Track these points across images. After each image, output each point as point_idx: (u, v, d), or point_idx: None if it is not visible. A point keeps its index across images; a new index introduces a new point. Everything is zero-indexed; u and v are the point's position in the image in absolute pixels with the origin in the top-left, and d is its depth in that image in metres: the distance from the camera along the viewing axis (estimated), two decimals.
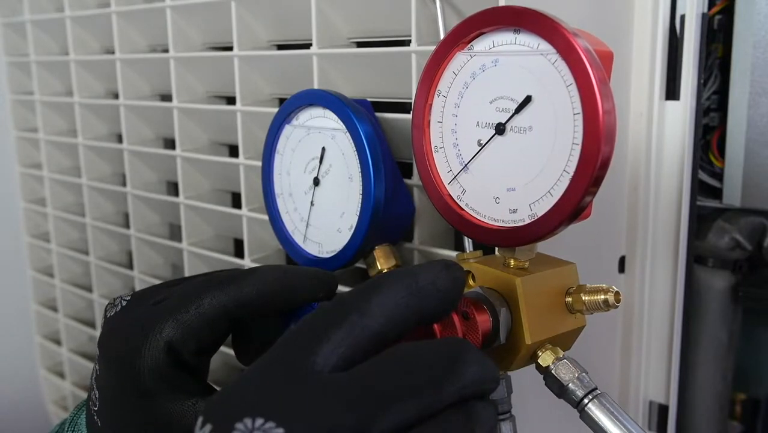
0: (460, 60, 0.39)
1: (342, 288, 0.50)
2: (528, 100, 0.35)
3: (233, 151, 0.69)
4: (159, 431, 0.38)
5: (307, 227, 0.50)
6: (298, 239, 0.50)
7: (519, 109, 0.36)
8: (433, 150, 0.41)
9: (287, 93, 0.57)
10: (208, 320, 0.38)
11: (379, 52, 0.50)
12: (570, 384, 0.36)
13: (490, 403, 0.31)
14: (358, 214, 0.46)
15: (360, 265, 0.49)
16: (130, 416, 0.38)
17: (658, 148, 0.56)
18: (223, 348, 0.47)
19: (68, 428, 0.42)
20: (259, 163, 0.52)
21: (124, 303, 0.40)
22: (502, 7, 0.37)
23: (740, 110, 0.59)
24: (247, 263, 0.61)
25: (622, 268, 0.58)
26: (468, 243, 0.46)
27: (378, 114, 0.50)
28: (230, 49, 0.59)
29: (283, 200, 0.51)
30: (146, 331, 0.38)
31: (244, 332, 0.42)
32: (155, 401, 0.38)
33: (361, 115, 0.46)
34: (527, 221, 0.36)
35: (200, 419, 0.28)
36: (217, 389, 0.40)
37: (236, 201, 0.66)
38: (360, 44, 0.56)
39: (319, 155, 0.48)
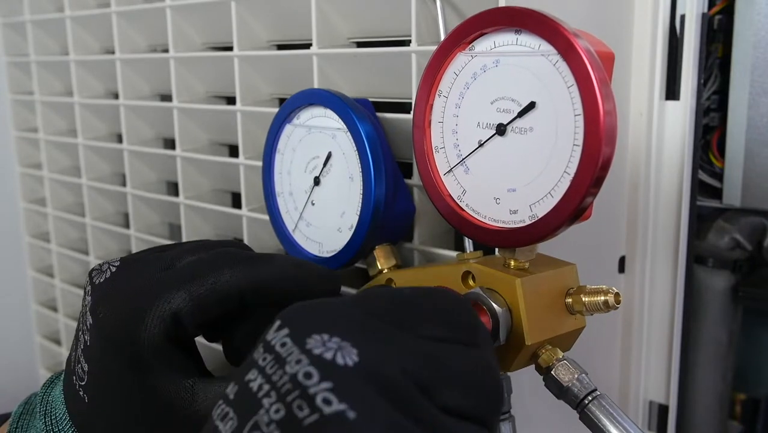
0: (461, 60, 0.39)
1: (344, 289, 0.50)
2: (531, 106, 0.35)
3: (233, 151, 0.69)
4: (153, 407, 0.37)
5: (307, 226, 0.50)
6: (298, 238, 0.50)
7: (522, 113, 0.36)
8: (433, 150, 0.41)
9: (287, 93, 0.57)
10: (221, 297, 0.37)
11: (379, 52, 0.50)
12: (570, 385, 0.36)
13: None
14: (358, 213, 0.46)
15: (360, 265, 0.49)
16: (122, 391, 0.36)
17: (658, 148, 0.56)
18: None
19: (40, 406, 0.40)
20: (259, 163, 0.52)
21: (113, 269, 0.38)
22: (504, 7, 0.37)
23: (740, 110, 0.59)
24: None
25: (622, 268, 0.58)
26: (468, 243, 0.46)
27: (378, 114, 0.50)
28: (230, 49, 0.59)
29: (283, 200, 0.51)
30: (152, 298, 0.36)
31: (235, 327, 0.41)
32: (151, 375, 0.36)
33: (362, 115, 0.46)
34: (528, 222, 0.36)
35: (277, 322, 0.28)
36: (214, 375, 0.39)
37: (236, 201, 0.66)
38: (360, 44, 0.56)
39: (319, 154, 0.48)
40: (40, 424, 0.39)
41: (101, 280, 0.38)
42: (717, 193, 0.62)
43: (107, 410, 0.37)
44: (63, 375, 0.40)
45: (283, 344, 0.28)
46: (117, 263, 0.39)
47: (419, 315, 0.30)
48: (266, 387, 0.27)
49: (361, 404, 0.26)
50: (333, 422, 0.25)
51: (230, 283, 0.37)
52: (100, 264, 0.39)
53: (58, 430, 0.38)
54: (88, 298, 0.38)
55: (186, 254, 0.40)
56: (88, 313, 0.38)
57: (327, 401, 0.25)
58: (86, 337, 0.38)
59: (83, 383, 0.38)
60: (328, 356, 0.27)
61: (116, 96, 0.73)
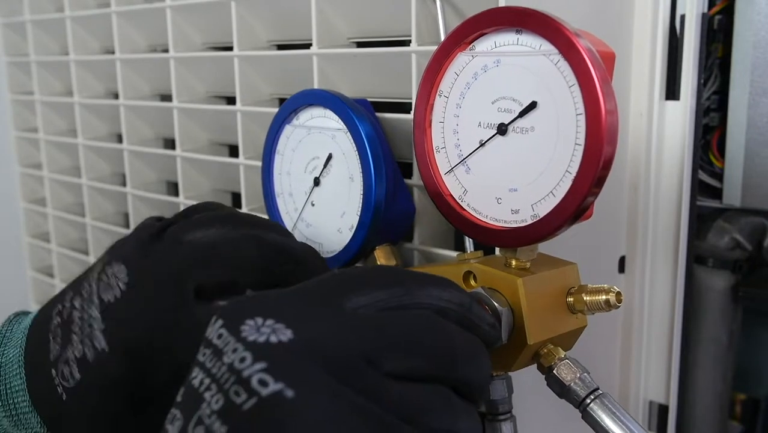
0: (461, 60, 0.39)
1: None
2: (533, 105, 0.35)
3: (233, 151, 0.69)
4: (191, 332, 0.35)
5: (307, 227, 0.50)
6: (298, 238, 0.50)
7: (523, 113, 0.36)
8: (434, 150, 0.41)
9: (287, 93, 0.57)
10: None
11: (379, 52, 0.50)
12: (572, 384, 0.36)
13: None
14: (358, 214, 0.46)
15: (360, 265, 0.49)
16: (113, 425, 0.36)
17: (658, 148, 0.56)
18: None
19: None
20: (259, 163, 0.52)
21: (122, 286, 0.36)
22: (505, 7, 0.37)
23: (740, 110, 0.59)
24: None
25: (622, 268, 0.58)
26: (469, 243, 0.46)
27: (378, 114, 0.50)
28: (230, 49, 0.59)
29: (283, 200, 0.51)
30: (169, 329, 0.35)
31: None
32: (153, 418, 0.35)
33: (362, 115, 0.46)
34: (529, 222, 0.36)
35: (214, 318, 0.29)
36: None
37: (236, 201, 0.66)
38: (360, 44, 0.56)
39: (319, 155, 0.48)
40: None
41: (110, 299, 0.36)
42: (717, 193, 0.62)
43: (91, 420, 0.36)
44: (24, 340, 0.38)
45: (220, 336, 0.28)
46: (126, 280, 0.36)
47: (349, 288, 0.30)
48: (207, 381, 0.27)
49: (300, 381, 0.25)
50: (271, 405, 0.25)
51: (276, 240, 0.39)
52: (99, 274, 0.37)
53: (13, 403, 0.37)
54: (96, 312, 0.36)
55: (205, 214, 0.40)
56: (97, 331, 0.36)
57: (263, 382, 0.25)
58: (87, 351, 0.36)
59: (68, 386, 0.36)
60: (262, 339, 0.26)
61: (116, 96, 0.73)
